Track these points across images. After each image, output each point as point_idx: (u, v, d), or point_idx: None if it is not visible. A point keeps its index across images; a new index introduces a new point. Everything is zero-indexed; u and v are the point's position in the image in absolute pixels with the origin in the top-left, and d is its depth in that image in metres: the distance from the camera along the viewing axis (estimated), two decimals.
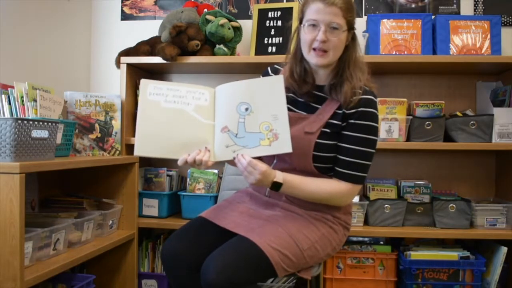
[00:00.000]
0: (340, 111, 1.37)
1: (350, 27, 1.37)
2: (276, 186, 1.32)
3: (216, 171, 2.23)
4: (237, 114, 1.32)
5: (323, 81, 1.43)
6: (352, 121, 1.35)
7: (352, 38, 1.40)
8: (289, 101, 1.43)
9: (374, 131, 1.36)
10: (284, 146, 1.28)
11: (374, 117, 1.36)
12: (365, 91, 1.36)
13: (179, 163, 1.32)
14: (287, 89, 1.44)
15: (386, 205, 2.08)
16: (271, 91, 1.31)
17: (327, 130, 1.37)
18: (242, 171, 1.30)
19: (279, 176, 1.33)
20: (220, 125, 1.33)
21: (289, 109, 1.39)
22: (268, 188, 1.36)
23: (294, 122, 1.39)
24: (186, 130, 1.33)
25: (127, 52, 2.26)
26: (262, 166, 1.29)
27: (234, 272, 1.21)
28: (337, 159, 1.37)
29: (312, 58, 1.37)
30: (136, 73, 2.29)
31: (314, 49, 1.35)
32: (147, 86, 1.36)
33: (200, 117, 1.34)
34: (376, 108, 1.37)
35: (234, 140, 1.31)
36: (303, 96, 1.44)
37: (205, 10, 2.27)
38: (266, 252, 1.25)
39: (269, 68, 1.55)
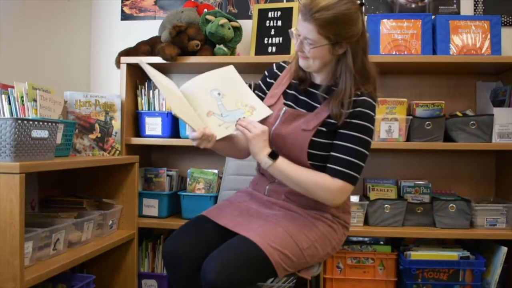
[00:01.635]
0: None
1: (335, 41, 1.31)
2: (273, 156, 1.35)
3: (216, 171, 2.23)
4: (214, 99, 1.40)
5: (321, 82, 1.44)
6: (348, 120, 1.34)
7: (352, 48, 1.34)
8: (291, 99, 1.45)
9: (369, 132, 1.35)
10: (264, 111, 1.41)
11: (370, 119, 1.35)
12: (364, 94, 1.36)
13: (194, 134, 1.32)
14: (289, 86, 1.47)
15: (386, 205, 2.08)
16: (229, 78, 1.43)
17: (324, 129, 1.37)
18: (242, 130, 1.35)
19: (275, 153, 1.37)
20: (204, 112, 1.38)
21: (290, 107, 1.44)
22: (263, 160, 1.35)
23: (292, 119, 1.40)
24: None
25: (127, 52, 2.26)
26: (263, 126, 1.35)
27: (234, 272, 1.21)
28: (330, 156, 1.36)
29: (299, 60, 1.41)
30: (136, 73, 2.29)
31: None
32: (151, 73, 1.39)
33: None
34: (373, 111, 1.36)
35: (222, 119, 1.38)
36: (303, 94, 1.45)
37: (205, 10, 2.27)
38: (266, 251, 1.25)
39: (274, 65, 1.55)
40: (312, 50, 1.31)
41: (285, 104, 1.45)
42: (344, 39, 1.31)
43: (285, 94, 1.47)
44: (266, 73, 1.55)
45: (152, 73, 1.38)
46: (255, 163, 1.57)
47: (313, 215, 1.41)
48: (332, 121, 1.37)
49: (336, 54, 1.34)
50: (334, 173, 1.34)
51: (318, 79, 1.44)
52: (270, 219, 1.39)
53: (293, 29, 1.37)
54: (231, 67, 1.45)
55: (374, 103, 1.37)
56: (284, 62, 1.54)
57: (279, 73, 1.52)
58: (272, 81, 1.52)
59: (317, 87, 1.43)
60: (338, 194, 1.35)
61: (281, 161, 1.35)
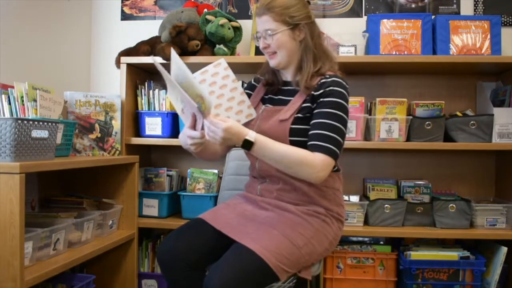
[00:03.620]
0: (308, 96, 1.43)
1: (292, 24, 1.43)
2: (248, 144, 1.33)
3: (216, 171, 2.23)
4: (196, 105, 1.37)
5: (292, 78, 1.52)
6: (321, 99, 1.40)
7: (309, 30, 1.46)
8: (268, 101, 1.55)
9: (342, 108, 1.39)
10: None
11: (342, 95, 1.39)
12: (333, 75, 1.43)
13: (196, 133, 1.37)
14: (266, 93, 1.58)
15: (386, 205, 2.08)
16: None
17: (300, 115, 1.42)
18: (211, 139, 1.33)
19: (252, 135, 1.34)
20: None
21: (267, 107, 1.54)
22: (244, 149, 1.37)
23: (270, 115, 1.48)
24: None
25: (127, 52, 2.26)
26: (224, 123, 1.30)
27: (237, 285, 1.21)
28: (308, 136, 1.39)
29: (269, 61, 1.51)
30: (136, 73, 2.29)
31: (267, 53, 1.49)
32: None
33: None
34: (344, 89, 1.41)
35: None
36: (279, 93, 1.54)
37: (205, 10, 2.27)
38: (263, 257, 1.25)
39: (252, 78, 1.66)
40: (274, 38, 1.43)
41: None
42: (300, 20, 1.43)
43: (263, 100, 1.57)
44: (245, 85, 1.67)
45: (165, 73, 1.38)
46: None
47: (306, 211, 1.42)
48: (307, 104, 1.42)
49: (298, 40, 1.45)
50: (313, 148, 1.36)
51: (289, 76, 1.53)
52: (264, 222, 1.40)
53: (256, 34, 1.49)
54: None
55: (344, 82, 1.42)
56: (261, 75, 1.63)
57: (256, 84, 1.63)
58: (249, 91, 1.62)
59: (289, 84, 1.52)
60: (320, 168, 1.34)
61: (258, 146, 1.33)
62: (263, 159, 1.40)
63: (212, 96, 1.45)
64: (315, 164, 1.34)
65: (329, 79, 1.41)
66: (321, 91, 1.40)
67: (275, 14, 1.42)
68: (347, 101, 1.41)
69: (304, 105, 1.43)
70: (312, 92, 1.42)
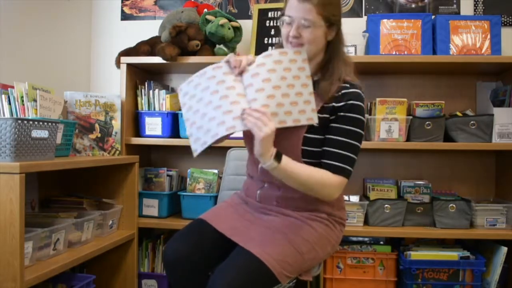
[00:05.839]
0: (328, 105, 1.36)
1: (330, 23, 1.34)
2: (279, 157, 1.25)
3: (216, 171, 2.23)
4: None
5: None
6: (341, 113, 1.34)
7: (337, 34, 1.38)
8: None
9: (362, 125, 1.36)
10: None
11: (362, 111, 1.36)
12: (353, 85, 1.36)
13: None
14: None
15: (386, 205, 2.08)
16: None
17: (315, 124, 1.35)
18: (252, 128, 1.20)
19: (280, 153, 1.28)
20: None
21: None
22: (268, 162, 1.24)
23: None
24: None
25: (127, 52, 2.26)
26: (273, 124, 1.23)
27: None
28: (326, 151, 1.34)
29: None
30: (136, 73, 2.29)
31: (291, 42, 1.35)
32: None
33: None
34: (363, 102, 1.37)
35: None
36: None
37: (205, 10, 2.27)
38: (268, 263, 1.24)
39: None
40: (311, 31, 1.31)
41: None
42: (337, 21, 1.36)
43: None
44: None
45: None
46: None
47: (308, 216, 1.40)
48: (325, 116, 1.35)
49: (328, 40, 1.38)
50: (335, 170, 1.32)
51: None
52: (268, 227, 1.38)
53: (285, 16, 1.35)
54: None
55: (362, 94, 1.37)
56: None
57: None
58: None
59: None
60: (337, 189, 1.34)
61: (285, 163, 1.26)
62: (285, 179, 1.30)
63: (284, 82, 1.27)
64: (334, 187, 1.32)
65: (350, 90, 1.34)
66: (342, 103, 1.33)
67: (320, 6, 1.30)
68: (364, 115, 1.36)
69: (321, 115, 1.34)
70: (333, 104, 1.34)
